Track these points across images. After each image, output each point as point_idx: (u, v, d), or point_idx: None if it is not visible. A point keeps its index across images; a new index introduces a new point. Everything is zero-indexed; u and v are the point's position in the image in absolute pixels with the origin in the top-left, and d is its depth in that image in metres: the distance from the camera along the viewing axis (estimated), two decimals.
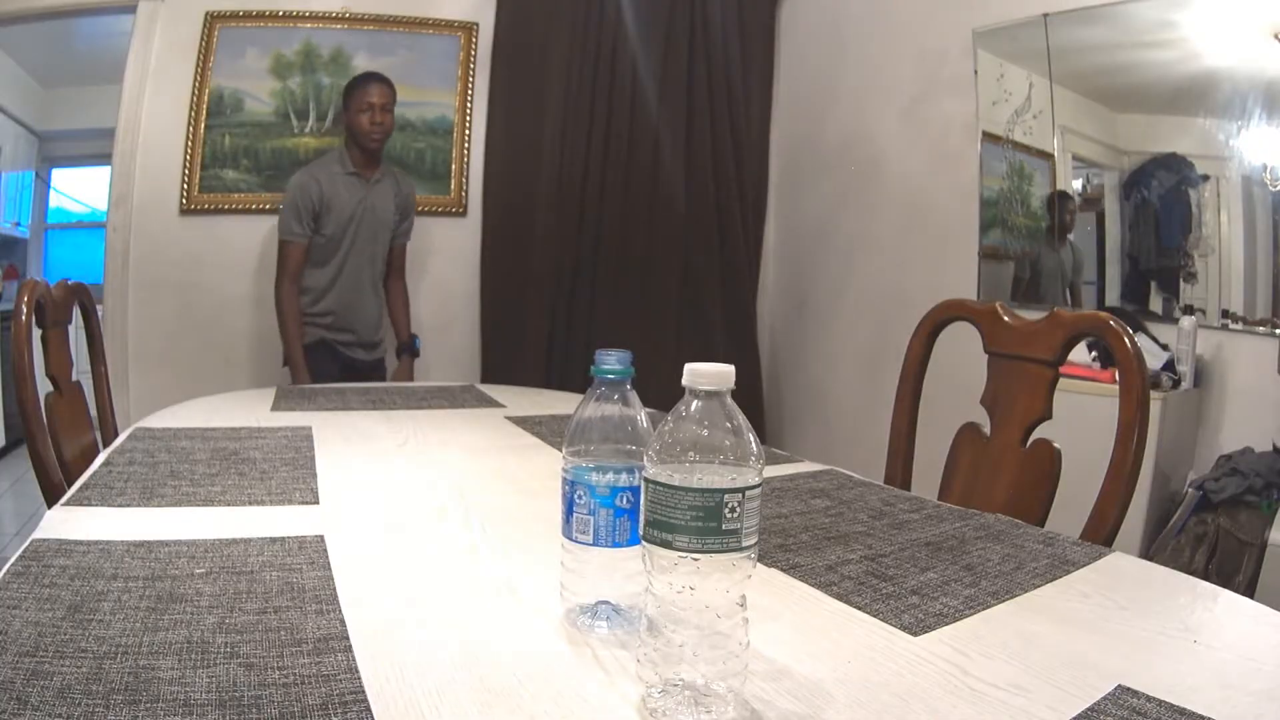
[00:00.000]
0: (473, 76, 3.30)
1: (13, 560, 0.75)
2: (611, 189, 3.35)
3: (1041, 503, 1.18)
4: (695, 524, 0.54)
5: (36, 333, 1.44)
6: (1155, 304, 2.35)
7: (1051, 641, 0.69)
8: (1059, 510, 1.17)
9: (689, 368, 0.57)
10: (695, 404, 0.57)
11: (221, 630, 0.64)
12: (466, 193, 3.32)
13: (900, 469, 1.43)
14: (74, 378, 1.59)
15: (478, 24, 3.29)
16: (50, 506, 1.00)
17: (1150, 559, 1.58)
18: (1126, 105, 2.44)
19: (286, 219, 2.59)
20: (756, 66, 3.54)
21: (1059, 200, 2.59)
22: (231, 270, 3.08)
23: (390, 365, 2.93)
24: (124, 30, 3.03)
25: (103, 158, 3.20)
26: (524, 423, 1.59)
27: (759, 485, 0.56)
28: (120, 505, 0.96)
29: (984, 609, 0.75)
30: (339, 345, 2.71)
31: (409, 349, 2.91)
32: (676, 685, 0.55)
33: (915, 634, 0.69)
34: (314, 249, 2.65)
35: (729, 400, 0.57)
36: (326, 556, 0.82)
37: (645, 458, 0.57)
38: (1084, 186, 2.58)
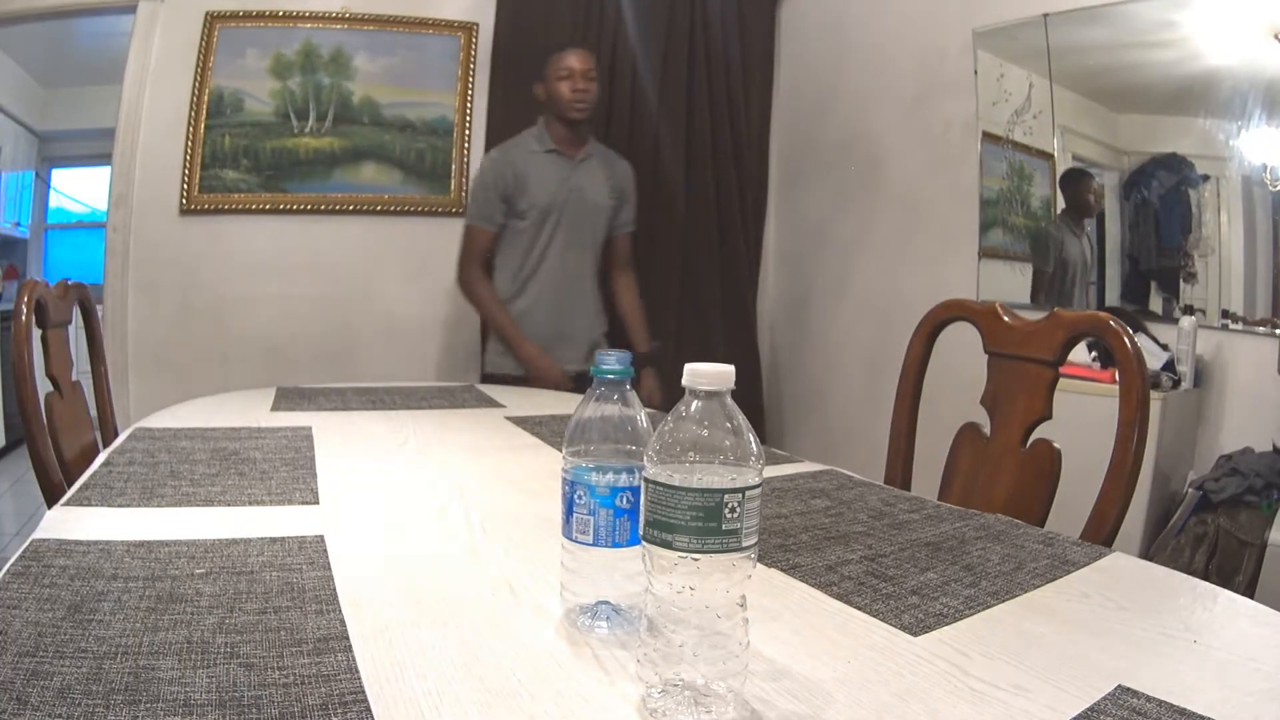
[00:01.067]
0: (473, 76, 3.30)
1: (13, 560, 0.75)
2: None
3: (1041, 503, 1.18)
4: (695, 524, 0.54)
5: (36, 333, 1.44)
6: (1155, 304, 2.35)
7: (1051, 641, 0.69)
8: (1059, 510, 1.17)
9: (689, 368, 0.57)
10: (695, 404, 0.57)
11: (221, 630, 0.64)
12: (466, 193, 3.32)
13: (900, 469, 1.43)
14: (74, 378, 1.59)
15: (478, 24, 3.29)
16: (50, 506, 1.00)
17: (1150, 559, 1.58)
18: (1126, 105, 2.44)
19: (474, 202, 2.33)
20: (756, 66, 3.54)
21: (1078, 179, 2.46)
22: (231, 270, 3.08)
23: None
24: (124, 30, 3.03)
25: (103, 158, 3.20)
26: (524, 423, 1.59)
27: (759, 485, 0.56)
28: (120, 505, 0.96)
29: (984, 609, 0.75)
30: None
31: (647, 360, 2.43)
32: (676, 685, 0.55)
33: (915, 634, 0.69)
34: (509, 242, 2.35)
35: (729, 400, 0.57)
36: (326, 556, 0.82)
37: (645, 458, 0.57)
38: None
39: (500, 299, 2.31)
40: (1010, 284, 2.73)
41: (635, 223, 2.57)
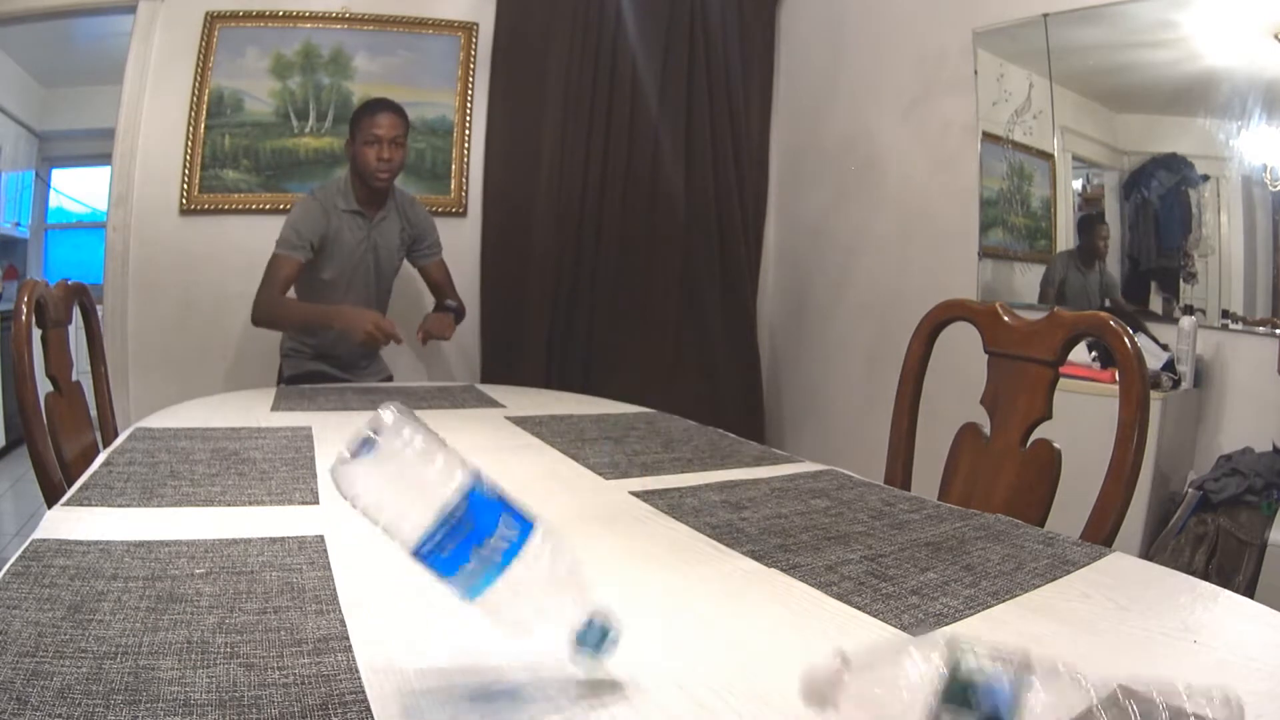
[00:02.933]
0: (473, 76, 3.30)
1: (13, 560, 0.75)
2: (611, 189, 3.35)
3: (1041, 503, 1.18)
4: None
5: (36, 333, 1.44)
6: (1155, 304, 2.35)
7: (1051, 641, 0.69)
8: (1059, 510, 1.17)
9: None
10: None
11: (221, 630, 0.64)
12: (466, 193, 3.33)
13: (900, 469, 1.43)
14: (74, 378, 1.59)
15: (478, 24, 3.29)
16: (50, 506, 1.00)
17: (1150, 559, 1.58)
18: (1126, 105, 2.44)
19: (288, 232, 2.25)
20: (756, 66, 3.54)
21: (1093, 224, 2.50)
22: (231, 270, 3.08)
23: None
24: (124, 30, 3.03)
25: (103, 158, 3.20)
26: (524, 423, 1.59)
27: None
28: (120, 505, 0.96)
29: (984, 609, 0.75)
30: (326, 371, 2.42)
31: (450, 310, 2.52)
32: None
33: (915, 634, 0.69)
34: (310, 290, 2.34)
35: None
36: (326, 556, 0.82)
37: None
38: (1084, 186, 2.58)
39: (292, 302, 2.28)
40: (1010, 284, 2.73)
41: (437, 250, 2.59)
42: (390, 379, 2.58)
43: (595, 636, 0.58)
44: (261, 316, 2.25)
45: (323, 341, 2.40)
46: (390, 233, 2.44)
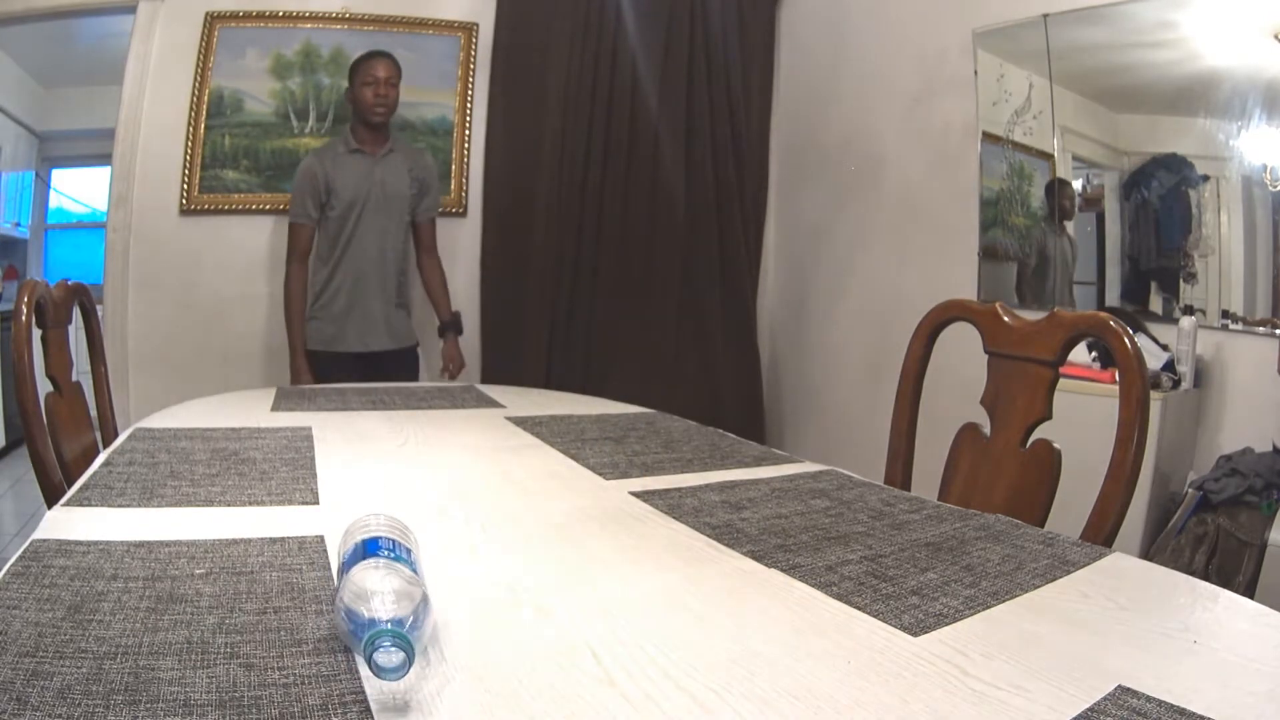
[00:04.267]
0: (473, 76, 3.30)
1: (13, 560, 0.75)
2: (611, 189, 3.35)
3: (1041, 503, 1.18)
4: None
5: (36, 333, 1.44)
6: (1155, 304, 2.35)
7: (1051, 641, 0.69)
8: (1059, 510, 1.17)
9: None
10: None
11: (221, 630, 0.64)
12: (466, 193, 3.33)
13: (900, 469, 1.43)
14: (74, 378, 1.59)
15: (478, 24, 3.29)
16: (50, 507, 1.00)
17: (1150, 559, 1.59)
18: (1126, 105, 2.44)
19: (293, 202, 2.65)
20: (756, 66, 3.54)
21: (1058, 186, 2.59)
22: (231, 270, 3.08)
23: (431, 350, 2.94)
24: (124, 30, 3.03)
25: (103, 158, 3.20)
26: (524, 423, 1.59)
27: None
28: (120, 505, 0.96)
29: (984, 609, 0.75)
30: (342, 351, 2.68)
31: (452, 327, 2.88)
32: None
33: (915, 634, 0.69)
34: (324, 235, 2.65)
35: None
36: (326, 557, 0.82)
37: None
38: (1084, 186, 2.58)
39: (303, 299, 2.66)
40: (1010, 284, 2.73)
41: (435, 209, 2.88)
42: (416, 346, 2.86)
43: (369, 649, 0.55)
44: (284, 289, 2.68)
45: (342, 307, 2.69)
46: (397, 169, 2.70)
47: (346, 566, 0.64)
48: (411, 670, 0.56)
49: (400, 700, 0.55)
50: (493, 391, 2.02)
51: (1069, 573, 0.85)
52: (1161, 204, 2.31)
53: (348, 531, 0.70)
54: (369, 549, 0.65)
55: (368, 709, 0.54)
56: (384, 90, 2.61)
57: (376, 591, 0.59)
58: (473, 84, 3.30)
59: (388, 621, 0.56)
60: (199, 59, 3.01)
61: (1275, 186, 2.05)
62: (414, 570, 0.66)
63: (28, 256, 5.87)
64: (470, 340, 3.31)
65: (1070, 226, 2.59)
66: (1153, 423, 1.37)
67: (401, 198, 2.72)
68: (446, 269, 2.97)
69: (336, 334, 2.67)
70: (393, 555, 0.65)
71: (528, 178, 3.30)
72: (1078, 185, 2.59)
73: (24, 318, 1.39)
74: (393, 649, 0.55)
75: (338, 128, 3.10)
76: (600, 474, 1.21)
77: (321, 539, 0.87)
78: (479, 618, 0.71)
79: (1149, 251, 2.38)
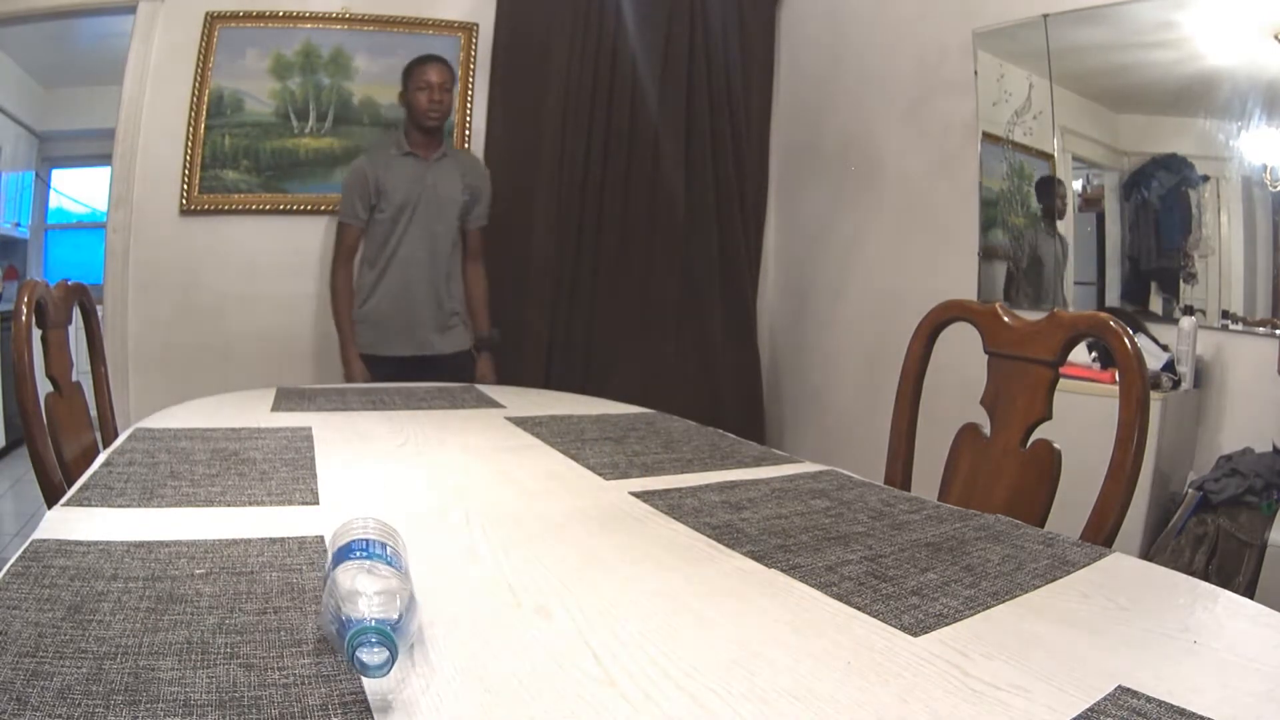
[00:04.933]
0: (473, 77, 3.30)
1: (13, 560, 0.75)
2: (611, 189, 3.35)
3: (1041, 503, 1.18)
4: None
5: (36, 333, 1.44)
6: (1155, 304, 2.35)
7: (1051, 641, 0.69)
8: (1059, 510, 1.17)
9: None
10: None
11: (221, 631, 0.64)
12: None
13: (900, 469, 1.43)
14: (74, 378, 1.59)
15: (478, 24, 3.29)
16: (50, 507, 1.00)
17: (1150, 559, 1.59)
18: (1126, 105, 2.44)
19: (343, 201, 2.63)
20: (756, 66, 3.54)
21: (1051, 185, 2.59)
22: (231, 270, 3.08)
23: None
24: (124, 30, 3.03)
25: (103, 158, 3.20)
26: (524, 423, 1.59)
27: None
28: (120, 506, 0.96)
29: (984, 609, 0.75)
30: (387, 355, 2.65)
31: (485, 344, 2.80)
32: None
33: (915, 634, 0.69)
34: (371, 234, 2.63)
35: None
36: (326, 557, 0.81)
37: None
38: (1084, 186, 2.58)
39: (350, 297, 2.64)
40: (1004, 277, 2.73)
41: (485, 218, 2.81)
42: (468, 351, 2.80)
43: (350, 648, 0.55)
44: (330, 289, 2.67)
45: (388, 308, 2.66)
46: (450, 174, 2.68)
47: (331, 570, 0.65)
48: (394, 667, 0.56)
49: (387, 701, 0.55)
50: (493, 391, 2.02)
51: (1069, 573, 0.85)
52: (1161, 204, 2.31)
53: (333, 537, 0.70)
54: (350, 551, 0.66)
55: (367, 709, 0.54)
56: (438, 95, 2.59)
57: (358, 592, 0.59)
58: (473, 84, 3.30)
59: (371, 619, 0.57)
60: (199, 59, 3.01)
61: (1275, 186, 2.05)
62: (399, 569, 0.66)
63: (28, 256, 5.87)
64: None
65: (1061, 226, 2.59)
66: (1153, 423, 1.37)
67: (454, 203, 2.68)
68: None
69: (379, 339, 2.64)
70: (374, 556, 0.66)
71: (528, 178, 3.29)
72: (1077, 185, 2.59)
73: (24, 318, 1.39)
74: (376, 647, 0.55)
75: (338, 128, 3.10)
76: (600, 474, 1.21)
77: (321, 539, 0.87)
78: (479, 618, 0.71)
79: (1149, 252, 2.38)
